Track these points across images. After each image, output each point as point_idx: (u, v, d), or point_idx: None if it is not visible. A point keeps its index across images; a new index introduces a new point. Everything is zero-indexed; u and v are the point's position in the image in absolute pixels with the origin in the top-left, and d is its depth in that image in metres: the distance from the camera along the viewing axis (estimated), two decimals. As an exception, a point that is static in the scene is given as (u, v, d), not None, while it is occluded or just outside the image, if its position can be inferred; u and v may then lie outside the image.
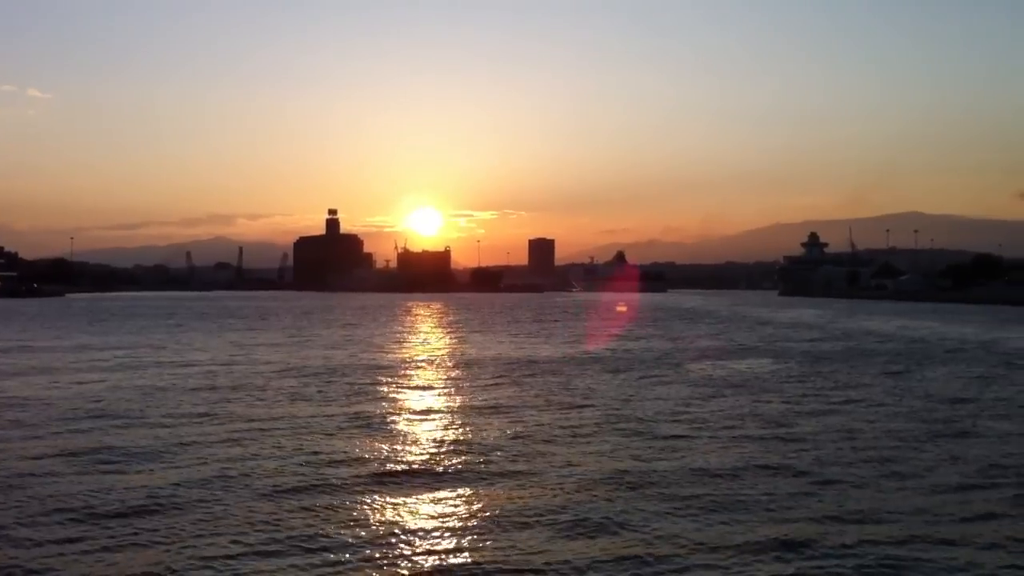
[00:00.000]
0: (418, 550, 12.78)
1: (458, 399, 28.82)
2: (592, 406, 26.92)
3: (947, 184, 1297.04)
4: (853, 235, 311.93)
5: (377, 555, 12.56)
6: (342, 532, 13.54)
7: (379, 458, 18.99)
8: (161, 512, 14.54)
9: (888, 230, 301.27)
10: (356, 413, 25.26)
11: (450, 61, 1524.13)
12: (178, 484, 16.36)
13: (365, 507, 15.04)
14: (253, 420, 23.82)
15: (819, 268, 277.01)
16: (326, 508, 14.88)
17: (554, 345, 54.51)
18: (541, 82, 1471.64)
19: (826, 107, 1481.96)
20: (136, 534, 13.39)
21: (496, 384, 33.07)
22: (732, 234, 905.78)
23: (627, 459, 18.86)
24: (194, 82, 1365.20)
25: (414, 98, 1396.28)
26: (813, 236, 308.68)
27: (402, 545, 13.00)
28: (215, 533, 13.42)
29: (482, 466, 18.12)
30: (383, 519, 14.38)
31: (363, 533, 13.52)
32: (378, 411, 25.87)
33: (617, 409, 26.38)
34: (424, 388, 32.11)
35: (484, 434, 21.94)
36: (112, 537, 13.24)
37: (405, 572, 11.95)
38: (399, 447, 20.41)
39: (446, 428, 23.10)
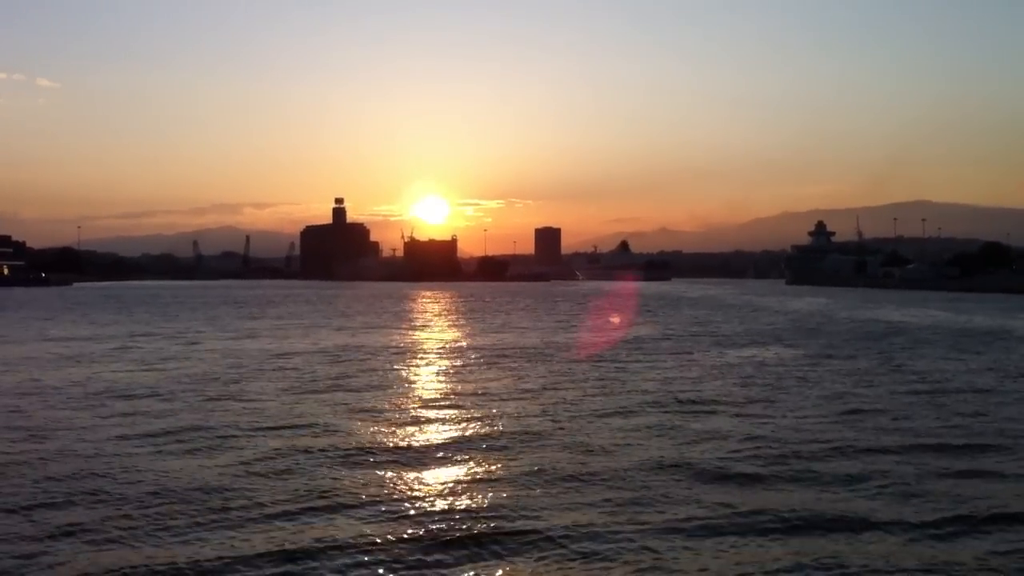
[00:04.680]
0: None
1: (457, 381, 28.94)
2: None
3: (955, 173, 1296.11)
4: (861, 224, 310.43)
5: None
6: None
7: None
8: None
9: (896, 219, 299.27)
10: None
11: (457, 48, 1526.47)
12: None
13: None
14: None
15: (826, 257, 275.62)
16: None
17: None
18: (549, 70, 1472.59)
19: (836, 97, 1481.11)
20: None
21: (497, 367, 33.21)
22: (740, 223, 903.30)
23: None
24: (202, 72, 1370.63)
25: (421, 86, 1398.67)
26: (820, 225, 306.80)
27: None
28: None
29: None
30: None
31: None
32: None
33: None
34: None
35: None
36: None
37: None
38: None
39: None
